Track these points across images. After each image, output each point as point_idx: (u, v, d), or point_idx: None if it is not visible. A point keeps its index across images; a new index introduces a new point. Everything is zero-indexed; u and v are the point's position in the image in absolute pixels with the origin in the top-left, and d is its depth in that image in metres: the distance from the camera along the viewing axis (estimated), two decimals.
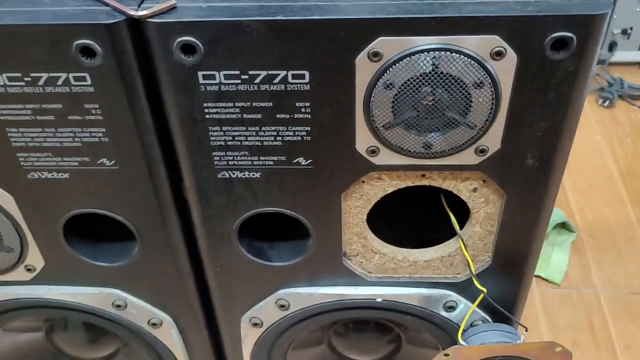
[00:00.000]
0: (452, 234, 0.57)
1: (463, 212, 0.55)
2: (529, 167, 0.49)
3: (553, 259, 1.09)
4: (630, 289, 1.06)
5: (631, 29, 1.67)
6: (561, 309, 1.03)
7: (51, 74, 0.43)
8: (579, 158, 1.36)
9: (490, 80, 0.43)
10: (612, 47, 1.70)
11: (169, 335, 0.63)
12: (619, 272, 1.10)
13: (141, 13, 0.41)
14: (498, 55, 0.42)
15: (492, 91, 0.43)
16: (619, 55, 1.70)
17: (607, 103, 1.56)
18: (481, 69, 0.42)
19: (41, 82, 0.44)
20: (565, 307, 1.03)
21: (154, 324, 0.61)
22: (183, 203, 0.53)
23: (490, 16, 0.40)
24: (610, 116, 1.52)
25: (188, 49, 0.42)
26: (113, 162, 0.48)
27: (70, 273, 0.59)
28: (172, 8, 0.42)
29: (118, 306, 0.60)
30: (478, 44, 0.41)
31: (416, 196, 0.55)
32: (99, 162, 0.48)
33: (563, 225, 1.15)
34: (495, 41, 0.41)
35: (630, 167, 1.33)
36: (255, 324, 0.62)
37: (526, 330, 0.58)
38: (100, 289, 0.59)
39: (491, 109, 0.44)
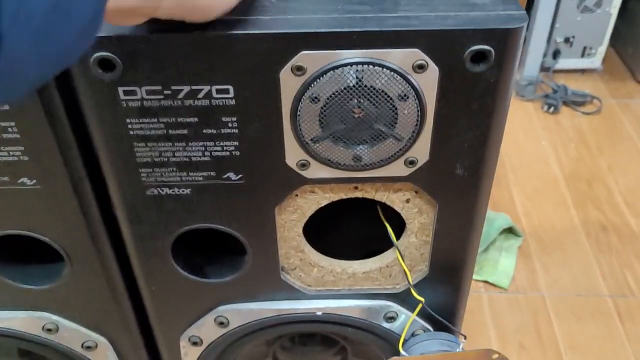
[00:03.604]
0: (392, 244, 0.57)
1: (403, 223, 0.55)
2: (459, 176, 0.49)
3: (500, 264, 1.11)
4: (575, 290, 1.09)
5: (573, 37, 1.72)
6: (509, 313, 1.05)
7: None
8: (525, 163, 1.39)
9: (414, 93, 0.43)
10: (556, 55, 1.75)
11: (106, 358, 0.61)
12: (564, 275, 1.12)
13: None
14: (420, 68, 0.42)
15: (416, 103, 0.44)
16: (562, 63, 1.75)
17: (552, 109, 1.61)
18: (404, 81, 0.43)
19: None
20: (512, 311, 1.05)
21: (88, 347, 0.59)
22: (113, 220, 0.52)
23: (410, 30, 0.41)
24: (555, 122, 1.56)
25: (106, 64, 0.41)
26: (34, 181, 0.47)
27: None
28: None
29: (49, 330, 0.58)
30: (400, 57, 0.42)
31: (359, 207, 0.55)
32: (19, 181, 0.47)
33: (510, 230, 1.17)
34: (416, 54, 0.42)
35: (574, 172, 1.37)
36: (194, 343, 0.61)
37: (465, 338, 0.59)
38: (29, 312, 0.57)
39: (417, 120, 0.45)
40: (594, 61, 1.77)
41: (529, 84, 1.70)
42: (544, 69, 1.75)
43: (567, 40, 1.73)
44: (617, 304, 1.07)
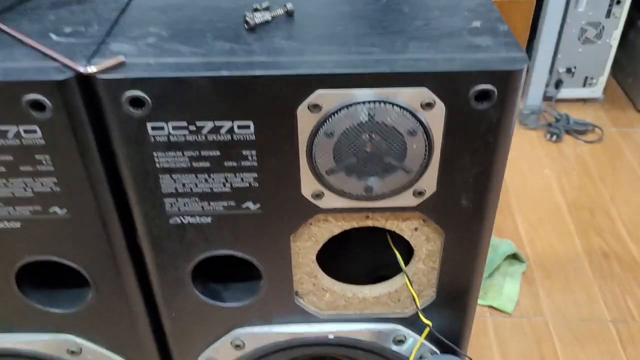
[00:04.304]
0: (400, 270, 0.59)
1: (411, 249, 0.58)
2: (464, 207, 0.52)
3: (505, 289, 1.13)
4: (578, 316, 1.11)
5: (575, 67, 1.76)
6: (513, 337, 1.06)
7: (1, 128, 0.45)
8: (529, 191, 1.42)
9: (422, 129, 0.46)
10: (558, 84, 1.79)
11: None
12: (567, 301, 1.14)
13: (90, 70, 0.43)
14: (428, 106, 0.45)
15: (425, 138, 0.47)
16: (564, 93, 1.79)
17: (554, 138, 1.64)
18: (413, 118, 0.46)
19: None
20: (516, 336, 1.06)
21: None
22: (137, 248, 0.55)
23: (419, 71, 0.44)
24: (557, 150, 1.59)
25: (137, 102, 0.44)
26: (65, 210, 0.50)
27: (23, 320, 0.59)
28: (121, 64, 0.44)
29: (73, 352, 0.60)
30: (409, 95, 0.45)
31: (370, 234, 0.58)
32: (50, 211, 0.50)
33: (514, 257, 1.20)
34: (425, 93, 0.45)
35: (576, 200, 1.40)
36: None
37: None
38: (54, 335, 0.59)
39: (425, 154, 0.48)
40: (595, 91, 1.80)
41: (532, 113, 1.74)
42: (546, 98, 1.79)
43: (569, 70, 1.77)
44: (619, 330, 1.09)
